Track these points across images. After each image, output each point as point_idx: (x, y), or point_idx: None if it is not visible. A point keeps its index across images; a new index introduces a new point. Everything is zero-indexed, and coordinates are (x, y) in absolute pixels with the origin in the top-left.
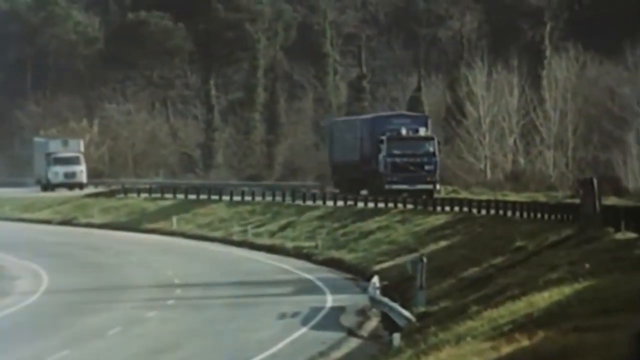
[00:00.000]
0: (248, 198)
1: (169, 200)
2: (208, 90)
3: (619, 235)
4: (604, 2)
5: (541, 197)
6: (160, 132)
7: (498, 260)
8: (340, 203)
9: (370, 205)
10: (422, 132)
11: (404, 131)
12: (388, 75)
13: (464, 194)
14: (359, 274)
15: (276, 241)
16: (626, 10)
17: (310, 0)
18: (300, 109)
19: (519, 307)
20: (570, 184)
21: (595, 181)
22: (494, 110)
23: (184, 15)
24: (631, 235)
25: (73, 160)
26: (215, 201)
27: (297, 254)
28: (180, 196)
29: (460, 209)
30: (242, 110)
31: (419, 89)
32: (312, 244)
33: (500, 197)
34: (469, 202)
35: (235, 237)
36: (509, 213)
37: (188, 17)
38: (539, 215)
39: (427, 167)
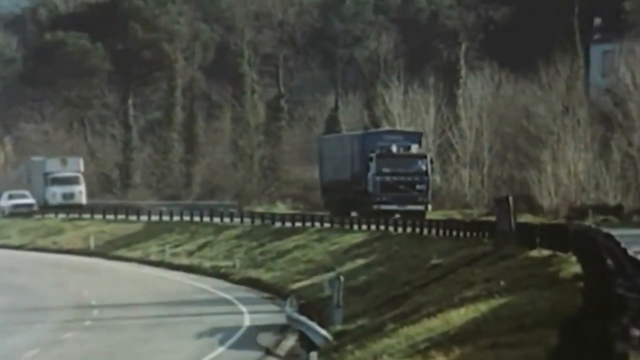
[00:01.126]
0: (166, 218)
1: (86, 220)
2: (126, 109)
3: (534, 253)
4: (518, 22)
5: (457, 215)
6: (78, 152)
7: (414, 277)
8: (257, 222)
9: (288, 224)
10: (415, 149)
11: (394, 148)
12: (306, 94)
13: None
14: (277, 292)
15: (194, 261)
16: (540, 29)
17: (227, 20)
18: (218, 128)
19: (436, 324)
20: (485, 201)
21: (510, 199)
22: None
23: (101, 35)
24: (546, 252)
25: (72, 180)
26: (133, 221)
27: (215, 273)
28: (99, 216)
29: (377, 227)
30: (160, 130)
31: (336, 108)
32: (230, 263)
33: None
34: (386, 220)
35: (153, 257)
36: (425, 231)
37: (106, 37)
38: (454, 233)
39: (418, 187)
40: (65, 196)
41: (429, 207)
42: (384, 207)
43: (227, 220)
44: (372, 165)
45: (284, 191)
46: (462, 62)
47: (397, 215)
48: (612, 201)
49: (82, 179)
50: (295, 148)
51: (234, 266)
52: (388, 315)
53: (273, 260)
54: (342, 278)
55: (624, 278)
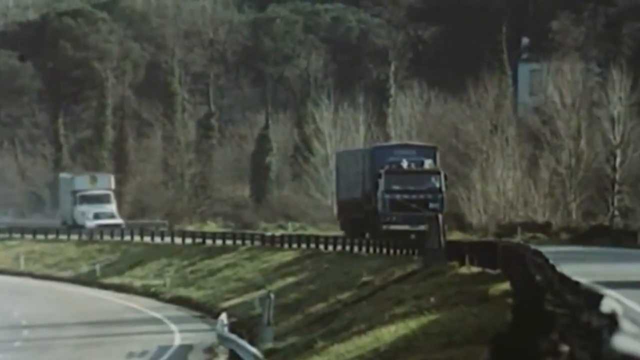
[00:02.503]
0: (97, 237)
1: (16, 240)
2: (56, 128)
3: (464, 270)
4: (447, 41)
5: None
6: (8, 172)
7: (345, 295)
8: (188, 241)
9: (219, 242)
10: (428, 164)
11: (405, 164)
12: (236, 113)
13: (311, 230)
14: (208, 311)
15: (125, 280)
16: (469, 49)
17: (158, 39)
18: (149, 147)
19: (366, 341)
20: None
21: (440, 217)
22: (341, 148)
23: (31, 54)
24: (475, 269)
25: (102, 199)
26: (63, 240)
27: (146, 292)
28: (29, 236)
29: (308, 246)
30: (90, 149)
31: (267, 126)
32: (161, 282)
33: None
34: (316, 239)
35: (83, 277)
36: (356, 249)
37: (36, 56)
38: (384, 251)
39: (431, 205)
40: (95, 216)
41: (445, 227)
42: (394, 227)
43: (157, 239)
44: (381, 183)
45: (215, 209)
46: (391, 80)
47: (413, 236)
48: (540, 218)
49: (113, 197)
50: (226, 166)
51: (164, 285)
52: (318, 332)
53: (204, 279)
54: (272, 296)
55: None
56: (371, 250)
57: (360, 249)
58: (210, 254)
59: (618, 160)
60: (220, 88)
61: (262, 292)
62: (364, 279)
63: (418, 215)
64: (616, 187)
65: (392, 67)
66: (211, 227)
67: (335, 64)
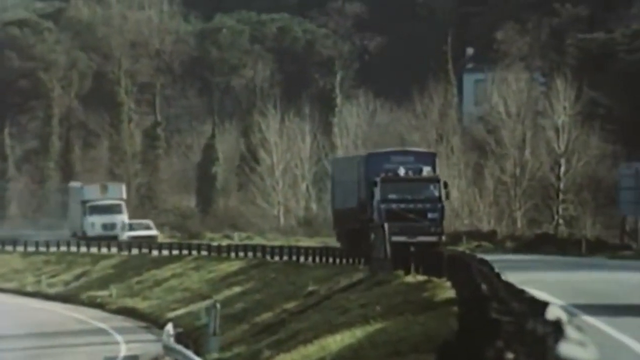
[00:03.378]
0: (43, 248)
1: None
2: (2, 139)
3: (409, 278)
4: (392, 51)
5: (333, 242)
6: None
7: (291, 305)
8: (135, 251)
9: (165, 252)
10: (427, 172)
11: (401, 171)
12: (183, 123)
13: (257, 240)
14: (154, 321)
15: (71, 291)
16: (414, 59)
17: (104, 49)
18: (95, 157)
19: (311, 351)
20: None
21: (386, 226)
22: (287, 157)
23: None
24: (421, 278)
25: (113, 209)
26: (9, 252)
27: (92, 303)
28: None
29: (254, 255)
30: (36, 159)
31: (213, 136)
32: (107, 292)
33: (293, 243)
34: (263, 248)
35: (29, 288)
36: (302, 258)
37: None
38: (331, 260)
39: (430, 215)
40: (106, 226)
41: (444, 237)
42: (390, 238)
43: (104, 249)
44: (377, 191)
45: (161, 219)
46: (337, 90)
47: (412, 249)
48: (485, 227)
49: (124, 207)
50: (173, 176)
51: (110, 296)
52: (264, 342)
53: (150, 289)
54: (218, 306)
55: (498, 302)
56: (317, 259)
57: (306, 258)
58: (156, 264)
59: (562, 169)
60: (167, 98)
61: (208, 302)
62: (310, 288)
63: (416, 226)
64: (560, 196)
65: (338, 77)
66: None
67: (281, 74)
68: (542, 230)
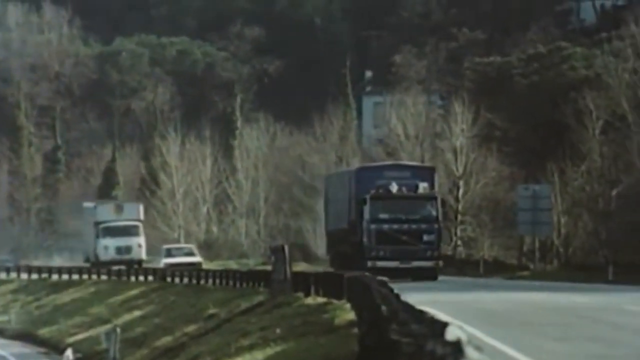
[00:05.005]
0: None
1: None
2: None
3: (309, 300)
4: (292, 74)
5: (233, 265)
6: None
7: (191, 328)
8: (35, 276)
9: (65, 277)
10: (422, 188)
11: (394, 187)
12: (83, 146)
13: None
14: (53, 347)
15: None
16: (313, 82)
17: (3, 72)
18: None
19: None
20: (261, 251)
21: (286, 248)
22: (188, 180)
23: None
24: (321, 299)
25: (128, 231)
26: None
27: None
28: None
29: (155, 278)
30: None
31: (113, 159)
32: (5, 318)
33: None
34: (163, 271)
35: None
36: (202, 281)
37: None
38: (231, 283)
39: (426, 237)
40: (120, 250)
41: (441, 263)
42: (380, 263)
43: (3, 274)
44: (366, 210)
45: (62, 244)
46: (237, 113)
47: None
48: None
49: (141, 229)
50: (73, 200)
51: (9, 321)
52: None
53: (50, 314)
54: (118, 330)
55: (397, 323)
56: (218, 282)
57: (206, 281)
58: (56, 289)
59: (461, 191)
60: (67, 121)
61: (108, 326)
62: (211, 311)
63: (410, 250)
64: (459, 218)
65: (238, 100)
66: (57, 261)
67: (181, 97)
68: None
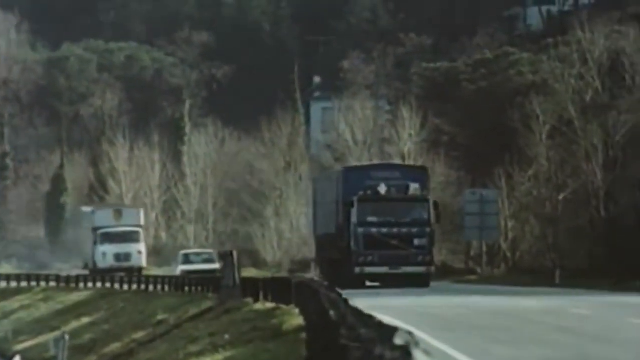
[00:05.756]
0: None
1: None
2: None
3: (258, 306)
4: (240, 80)
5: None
6: None
7: (140, 334)
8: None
9: (13, 284)
10: (414, 189)
11: (383, 189)
12: (31, 152)
13: None
14: (1, 354)
15: None
16: (262, 87)
17: None
18: None
19: None
20: None
21: (235, 254)
22: (136, 186)
23: None
24: (270, 305)
25: (128, 237)
26: None
27: None
28: None
29: (103, 285)
30: None
31: (62, 166)
32: None
33: (142, 272)
34: (112, 278)
35: None
36: (151, 287)
37: None
38: (180, 289)
39: (417, 242)
40: (119, 257)
41: (433, 268)
42: (369, 269)
43: None
44: (354, 213)
45: (10, 251)
46: (186, 119)
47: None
48: None
49: (142, 235)
50: (21, 207)
51: None
52: None
53: None
54: (67, 337)
55: (346, 328)
56: (166, 288)
57: (155, 287)
58: (3, 296)
59: None
60: (15, 128)
61: (56, 333)
62: (159, 317)
63: (400, 255)
64: None
65: (187, 106)
66: (5, 268)
67: (130, 103)
68: None
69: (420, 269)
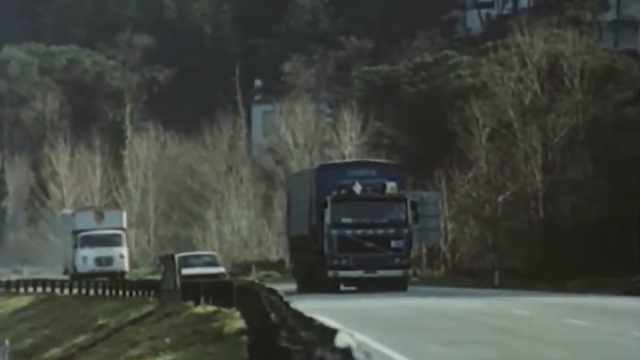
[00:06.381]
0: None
1: None
2: None
3: (199, 309)
4: (182, 83)
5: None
6: None
7: (81, 339)
8: None
9: None
10: (390, 188)
11: (358, 188)
12: None
13: (47, 274)
14: None
15: None
16: (203, 91)
17: None
18: None
19: None
20: (152, 260)
21: (175, 257)
22: (77, 190)
23: None
24: (210, 308)
25: (109, 240)
26: None
27: None
28: None
29: (44, 289)
30: None
31: (2, 170)
32: None
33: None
34: (52, 282)
35: None
36: (92, 292)
37: None
38: (121, 293)
39: (394, 244)
40: (100, 261)
41: (411, 272)
42: (343, 273)
43: None
44: (327, 213)
45: None
46: (127, 122)
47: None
48: (274, 256)
49: (124, 238)
50: None
51: None
52: None
53: None
54: (7, 343)
55: (287, 331)
56: (107, 292)
57: (96, 291)
58: None
59: None
60: None
61: None
62: (100, 321)
63: (376, 257)
64: None
65: (128, 109)
66: None
67: (71, 106)
68: None
69: (398, 273)
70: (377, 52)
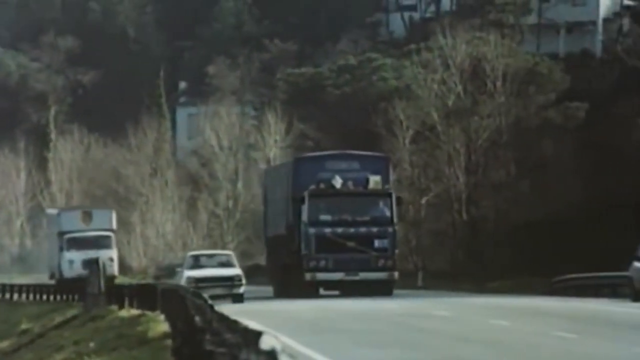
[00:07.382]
0: None
1: None
2: None
3: (124, 313)
4: (106, 85)
5: (47, 279)
6: None
7: (4, 344)
8: None
9: None
10: (374, 182)
11: (338, 182)
12: None
13: None
14: None
15: None
16: (128, 93)
17: None
18: None
19: None
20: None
21: (100, 261)
22: (1, 194)
23: None
24: (135, 312)
25: (98, 243)
26: None
27: None
28: None
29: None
30: None
31: None
32: None
33: (6, 280)
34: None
35: None
36: (16, 296)
37: None
38: (45, 297)
39: (378, 244)
40: (87, 264)
41: (396, 274)
42: (321, 276)
43: None
44: (305, 210)
45: None
46: (51, 125)
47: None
48: None
49: (114, 240)
50: None
51: None
52: None
53: None
54: None
55: (211, 334)
56: (31, 296)
57: (20, 295)
58: None
59: None
60: None
61: None
62: (24, 326)
63: (358, 258)
64: None
65: (52, 112)
66: None
67: None
68: (253, 261)
69: (382, 275)
70: (302, 55)
